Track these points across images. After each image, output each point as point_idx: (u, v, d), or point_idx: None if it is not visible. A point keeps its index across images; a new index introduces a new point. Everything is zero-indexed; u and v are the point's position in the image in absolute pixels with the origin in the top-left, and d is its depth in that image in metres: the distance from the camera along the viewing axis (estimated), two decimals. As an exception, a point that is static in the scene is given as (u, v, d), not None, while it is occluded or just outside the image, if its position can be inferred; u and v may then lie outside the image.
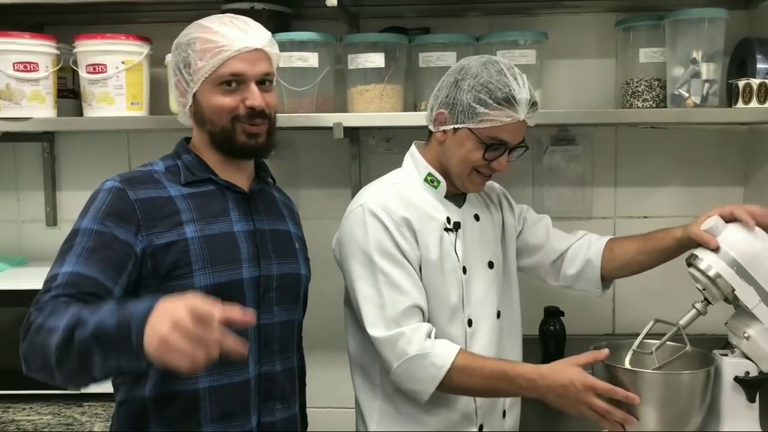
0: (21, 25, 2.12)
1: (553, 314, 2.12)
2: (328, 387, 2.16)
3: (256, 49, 1.44)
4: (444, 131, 1.58)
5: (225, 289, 1.40)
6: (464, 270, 1.61)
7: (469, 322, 1.61)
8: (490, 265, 1.66)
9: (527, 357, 1.82)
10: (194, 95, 1.45)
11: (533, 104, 1.53)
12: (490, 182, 1.82)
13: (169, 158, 1.51)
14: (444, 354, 1.49)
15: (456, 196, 1.66)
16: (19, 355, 1.29)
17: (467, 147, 1.55)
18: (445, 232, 1.60)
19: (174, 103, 1.63)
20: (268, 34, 1.48)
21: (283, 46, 1.94)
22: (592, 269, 1.74)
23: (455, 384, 1.50)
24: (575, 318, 2.16)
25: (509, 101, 1.50)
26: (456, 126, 1.55)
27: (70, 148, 2.35)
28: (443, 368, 1.48)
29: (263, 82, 1.46)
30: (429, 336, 1.52)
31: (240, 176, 1.52)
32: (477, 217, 1.67)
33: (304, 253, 1.64)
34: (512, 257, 1.75)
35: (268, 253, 1.50)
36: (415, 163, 1.66)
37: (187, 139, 1.55)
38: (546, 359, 2.12)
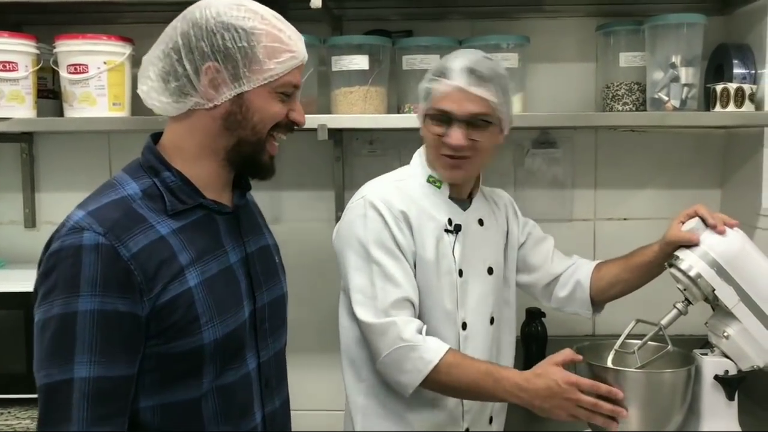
0: (-1, 24, 2.10)
1: (534, 315, 2.13)
2: (315, 389, 2.16)
3: None
4: (424, 124, 1.62)
5: (231, 337, 1.21)
6: (461, 273, 1.61)
7: (464, 326, 1.61)
8: (490, 271, 1.66)
9: (509, 358, 1.83)
10: (239, 94, 1.20)
11: (470, 70, 1.52)
12: (498, 190, 1.83)
13: (141, 174, 1.21)
14: (434, 349, 1.50)
15: (462, 200, 1.66)
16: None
17: (426, 129, 1.59)
18: (445, 233, 1.60)
19: (154, 88, 1.22)
20: None
21: (267, 48, 1.94)
22: (581, 290, 1.75)
23: (441, 380, 1.50)
24: (556, 319, 2.18)
25: (442, 71, 1.55)
26: (422, 115, 1.60)
27: (50, 148, 2.32)
28: (431, 363, 1.48)
29: None
30: (420, 332, 1.52)
31: (226, 191, 1.29)
32: (481, 222, 1.67)
33: (282, 266, 1.45)
34: (512, 266, 1.76)
35: (260, 280, 1.31)
36: (420, 162, 1.67)
37: (154, 137, 1.27)
38: (527, 360, 2.14)
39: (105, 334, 1.09)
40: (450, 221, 1.61)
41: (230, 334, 1.21)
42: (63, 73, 1.95)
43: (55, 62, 1.97)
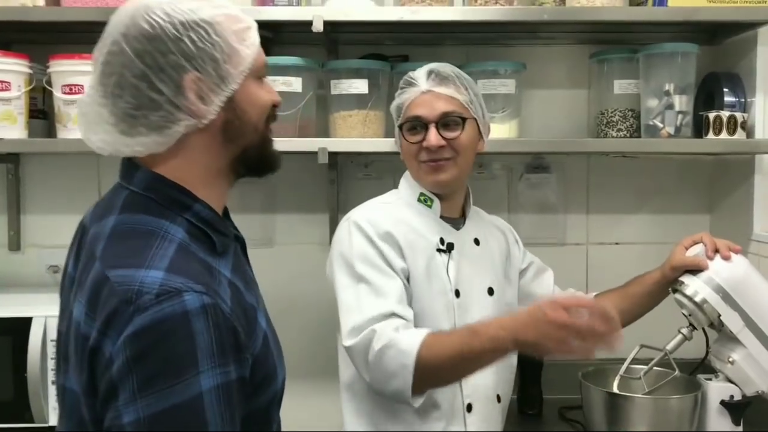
0: (-14, 43, 2.05)
1: (531, 339, 2.11)
2: (309, 418, 2.11)
3: None
4: (401, 139, 1.63)
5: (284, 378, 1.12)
6: (457, 293, 1.58)
7: None
8: (490, 291, 1.63)
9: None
10: (232, 98, 1.02)
11: (433, 72, 1.58)
12: (497, 217, 1.82)
13: (168, 212, 1.01)
14: (410, 338, 1.39)
15: (455, 219, 1.65)
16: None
17: (402, 142, 1.62)
18: (437, 253, 1.58)
19: (122, 131, 1.01)
20: None
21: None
22: None
23: (430, 365, 1.36)
24: (551, 343, 2.18)
25: (408, 81, 1.61)
26: (397, 133, 1.63)
27: (36, 169, 2.27)
28: (411, 353, 1.35)
29: None
30: (397, 329, 1.42)
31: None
32: (477, 242, 1.66)
33: None
34: (514, 287, 1.73)
35: None
36: (409, 183, 1.66)
37: (131, 163, 1.05)
38: (523, 385, 2.11)
39: (229, 410, 0.92)
40: (442, 240, 1.58)
41: (284, 377, 1.10)
42: (57, 93, 1.91)
43: (49, 82, 1.93)
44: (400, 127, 1.61)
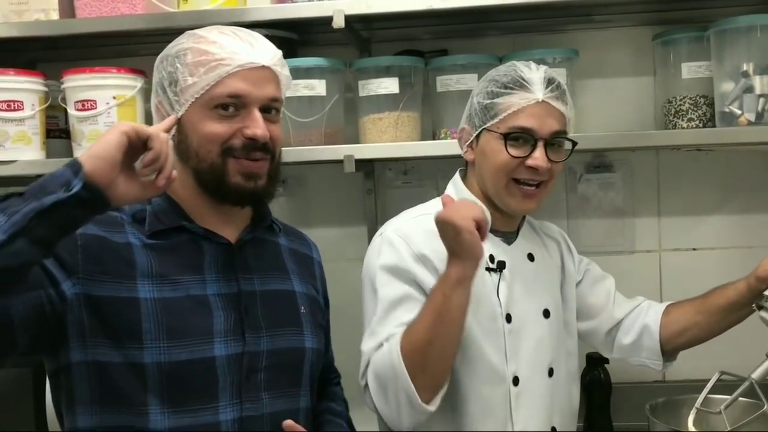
0: (12, 62, 1.99)
1: (596, 362, 1.91)
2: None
3: (264, 67, 1.20)
4: (471, 147, 1.46)
5: (187, 370, 1.14)
6: (508, 318, 1.40)
7: (515, 380, 1.40)
8: (546, 313, 1.46)
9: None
10: (179, 121, 1.19)
11: (550, 82, 1.39)
12: (547, 223, 1.65)
13: (138, 204, 1.25)
14: (388, 343, 1.32)
15: (507, 233, 1.48)
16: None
17: (491, 150, 1.40)
18: (487, 273, 1.40)
19: None
20: (279, 51, 1.24)
21: (287, 74, 1.80)
22: (649, 336, 1.53)
23: (414, 348, 1.26)
24: (620, 363, 1.94)
25: (518, 83, 1.39)
26: (476, 134, 1.43)
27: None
28: (394, 349, 1.27)
29: (269, 109, 1.22)
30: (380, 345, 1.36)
31: (229, 224, 1.27)
32: (531, 257, 1.48)
33: (315, 319, 1.36)
34: (572, 305, 1.55)
35: (258, 321, 1.23)
36: (457, 190, 1.49)
37: None
38: (589, 411, 1.93)
39: None
40: (492, 258, 1.41)
41: (183, 364, 1.14)
42: (71, 110, 1.83)
43: (64, 99, 1.85)
44: (503, 134, 1.39)
